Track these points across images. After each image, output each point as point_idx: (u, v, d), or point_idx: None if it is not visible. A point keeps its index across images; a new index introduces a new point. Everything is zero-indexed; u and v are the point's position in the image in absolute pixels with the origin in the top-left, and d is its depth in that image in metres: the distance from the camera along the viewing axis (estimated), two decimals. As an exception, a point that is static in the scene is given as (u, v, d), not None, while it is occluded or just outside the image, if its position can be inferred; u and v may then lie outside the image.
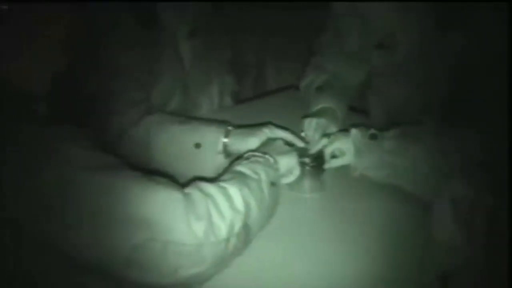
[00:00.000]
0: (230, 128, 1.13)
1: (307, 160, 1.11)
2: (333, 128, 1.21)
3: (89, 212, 0.68)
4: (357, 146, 1.09)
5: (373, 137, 1.08)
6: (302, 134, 1.18)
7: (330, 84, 1.35)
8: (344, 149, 1.11)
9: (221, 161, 1.10)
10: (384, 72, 1.36)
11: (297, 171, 1.07)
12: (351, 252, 0.98)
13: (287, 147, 1.09)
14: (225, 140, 1.11)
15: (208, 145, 1.11)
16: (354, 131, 1.10)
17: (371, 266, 0.93)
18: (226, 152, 1.12)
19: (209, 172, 1.02)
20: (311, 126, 1.20)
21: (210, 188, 0.83)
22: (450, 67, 1.14)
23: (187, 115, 1.28)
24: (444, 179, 0.98)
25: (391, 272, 0.91)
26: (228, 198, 0.83)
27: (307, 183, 1.12)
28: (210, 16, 1.34)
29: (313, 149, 1.14)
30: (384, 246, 0.97)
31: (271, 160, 1.00)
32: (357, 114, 1.45)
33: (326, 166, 1.13)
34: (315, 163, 1.12)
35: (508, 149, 0.69)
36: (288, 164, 1.04)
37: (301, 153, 1.10)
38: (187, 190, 0.81)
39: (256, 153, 1.01)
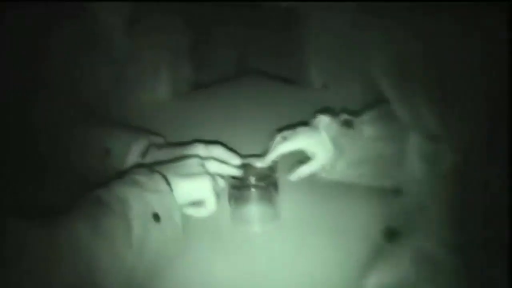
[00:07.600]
0: (152, 144, 0.87)
1: (252, 180, 0.80)
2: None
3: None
4: (335, 139, 0.79)
5: (348, 124, 0.80)
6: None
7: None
8: (314, 149, 0.80)
9: None
10: None
11: (212, 203, 0.74)
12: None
13: (200, 168, 0.75)
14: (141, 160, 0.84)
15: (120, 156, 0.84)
16: (325, 120, 0.80)
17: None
18: None
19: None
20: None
21: None
22: None
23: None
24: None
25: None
26: None
27: (253, 211, 0.81)
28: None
29: (265, 161, 0.82)
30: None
31: (161, 182, 0.69)
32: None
33: (294, 177, 0.83)
34: (263, 183, 0.81)
35: (508, 148, 0.61)
36: (191, 190, 0.72)
37: (246, 172, 0.82)
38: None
39: (142, 170, 0.71)
